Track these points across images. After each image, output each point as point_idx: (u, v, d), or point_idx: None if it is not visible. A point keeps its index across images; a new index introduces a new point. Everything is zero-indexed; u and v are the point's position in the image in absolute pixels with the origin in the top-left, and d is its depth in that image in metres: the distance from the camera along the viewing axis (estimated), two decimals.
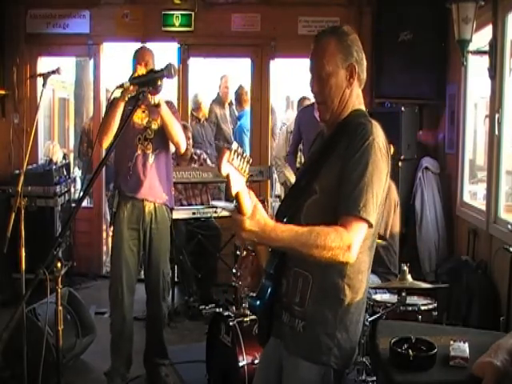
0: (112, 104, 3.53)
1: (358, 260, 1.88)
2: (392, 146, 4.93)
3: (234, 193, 1.74)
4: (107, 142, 3.51)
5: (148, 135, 3.66)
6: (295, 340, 1.96)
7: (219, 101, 7.02)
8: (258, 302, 1.99)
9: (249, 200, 1.77)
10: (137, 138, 3.65)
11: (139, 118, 3.66)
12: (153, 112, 3.61)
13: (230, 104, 7.14)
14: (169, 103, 3.75)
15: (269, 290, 1.98)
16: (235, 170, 1.71)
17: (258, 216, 1.76)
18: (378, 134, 1.89)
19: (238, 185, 1.73)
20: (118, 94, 3.65)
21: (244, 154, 1.73)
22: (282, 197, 7.62)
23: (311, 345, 1.93)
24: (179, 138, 3.66)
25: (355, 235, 1.80)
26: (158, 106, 3.45)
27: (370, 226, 1.84)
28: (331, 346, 1.91)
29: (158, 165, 3.71)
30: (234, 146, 1.71)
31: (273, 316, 2.04)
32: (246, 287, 3.50)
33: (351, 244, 1.79)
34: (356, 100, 2.00)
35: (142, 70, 3.42)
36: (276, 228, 1.79)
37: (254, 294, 2.02)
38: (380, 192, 1.86)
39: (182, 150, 3.78)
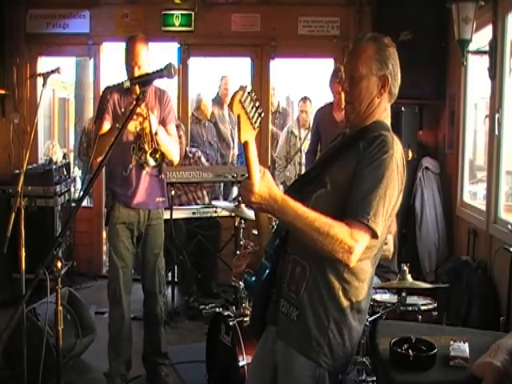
0: (105, 99, 3.57)
1: (358, 266, 1.87)
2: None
3: (242, 140, 1.74)
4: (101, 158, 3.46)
5: (142, 144, 3.58)
6: (288, 328, 1.96)
7: (218, 101, 7.02)
8: (254, 278, 1.97)
9: (256, 158, 1.76)
10: (131, 148, 3.60)
11: (132, 124, 3.48)
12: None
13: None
14: (163, 92, 3.72)
15: (267, 271, 1.97)
16: (246, 115, 1.70)
17: (267, 181, 1.77)
18: (398, 151, 1.88)
19: (248, 134, 1.73)
20: (109, 83, 3.73)
21: (257, 103, 1.71)
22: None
23: (303, 336, 1.92)
24: (173, 155, 3.67)
25: (359, 240, 1.79)
26: (155, 133, 3.45)
27: (375, 236, 1.83)
28: (322, 342, 1.90)
29: (152, 172, 3.69)
30: (249, 88, 1.69)
31: (268, 302, 2.03)
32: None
33: (354, 247, 1.77)
34: (383, 113, 2.00)
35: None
36: (284, 199, 1.78)
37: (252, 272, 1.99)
38: (390, 208, 1.85)
39: (175, 163, 3.80)
